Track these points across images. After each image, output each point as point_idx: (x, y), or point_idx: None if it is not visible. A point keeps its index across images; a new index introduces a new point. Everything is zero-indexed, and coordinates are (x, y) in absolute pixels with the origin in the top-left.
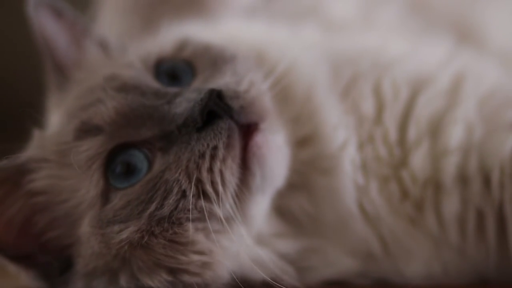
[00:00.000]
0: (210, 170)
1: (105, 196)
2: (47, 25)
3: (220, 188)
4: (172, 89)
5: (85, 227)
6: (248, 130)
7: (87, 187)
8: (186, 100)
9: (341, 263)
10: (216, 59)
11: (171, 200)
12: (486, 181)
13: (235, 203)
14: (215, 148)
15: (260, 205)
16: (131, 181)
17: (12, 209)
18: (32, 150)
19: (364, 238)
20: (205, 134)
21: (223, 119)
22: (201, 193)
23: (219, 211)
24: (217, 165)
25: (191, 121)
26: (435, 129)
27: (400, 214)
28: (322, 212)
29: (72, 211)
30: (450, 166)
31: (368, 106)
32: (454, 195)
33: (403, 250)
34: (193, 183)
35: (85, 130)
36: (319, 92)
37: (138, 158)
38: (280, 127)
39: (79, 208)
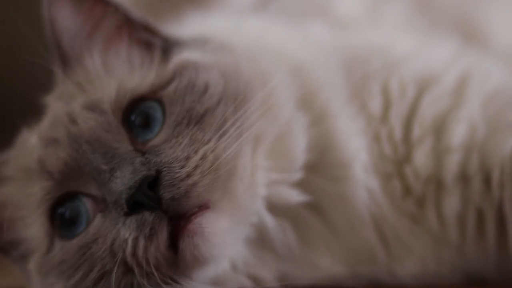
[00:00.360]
0: (134, 254)
1: (50, 240)
2: (59, 12)
3: (145, 268)
4: (125, 149)
5: (31, 266)
6: (182, 218)
7: (37, 226)
8: (121, 179)
9: (329, 270)
10: (185, 113)
11: (94, 275)
12: (487, 180)
13: (168, 276)
14: (136, 238)
15: (206, 271)
16: (76, 231)
17: None
18: (10, 158)
19: (370, 244)
20: (129, 222)
21: (150, 211)
22: (127, 270)
23: (147, 285)
24: (140, 252)
25: (119, 204)
26: (439, 128)
27: (402, 211)
28: (331, 222)
29: (26, 242)
30: (451, 164)
31: (376, 105)
32: (455, 193)
33: (403, 248)
34: (117, 264)
35: (41, 169)
36: (333, 103)
37: (82, 209)
38: (229, 208)
39: (30, 243)
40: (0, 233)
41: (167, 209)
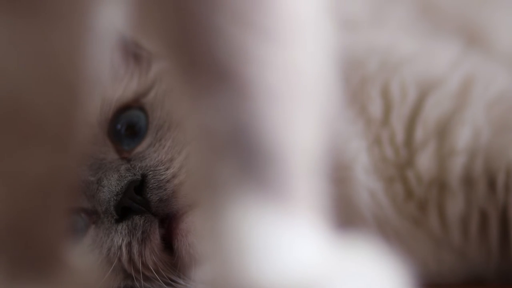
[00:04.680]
0: (130, 260)
1: None
2: None
3: (143, 272)
4: (110, 159)
5: None
6: (174, 218)
7: None
8: (108, 187)
9: None
10: (166, 116)
11: None
12: (492, 183)
13: (168, 278)
14: (129, 243)
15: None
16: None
17: None
18: None
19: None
20: (121, 229)
21: (139, 215)
22: (126, 277)
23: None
24: (135, 257)
25: (109, 212)
26: (443, 131)
27: (404, 214)
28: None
29: None
30: (456, 167)
31: (375, 108)
32: (459, 196)
33: (405, 249)
34: (113, 272)
35: None
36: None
37: (80, 223)
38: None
39: None
40: None
41: (156, 211)
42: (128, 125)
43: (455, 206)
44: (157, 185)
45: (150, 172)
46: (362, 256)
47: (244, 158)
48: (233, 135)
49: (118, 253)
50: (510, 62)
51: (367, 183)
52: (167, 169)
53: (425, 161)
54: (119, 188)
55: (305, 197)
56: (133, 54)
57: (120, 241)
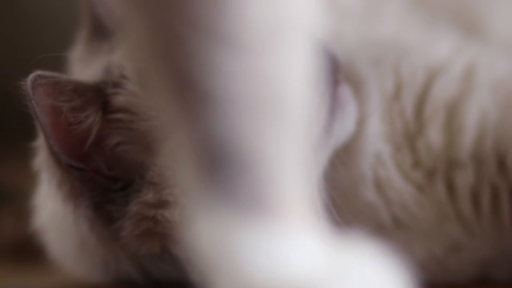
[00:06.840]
0: None
1: None
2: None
3: None
4: None
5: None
6: None
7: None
8: None
9: None
10: None
11: None
12: (502, 162)
13: None
14: None
15: None
16: None
17: (89, 120)
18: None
19: (372, 206)
20: None
21: None
22: None
23: None
24: None
25: None
26: (451, 111)
27: (410, 180)
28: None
29: (151, 131)
30: (465, 143)
31: (388, 84)
32: (469, 169)
33: (409, 217)
34: None
35: None
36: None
37: None
38: None
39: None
40: (114, 133)
41: None
42: None
43: (465, 178)
44: None
45: None
46: (362, 256)
47: (214, 169)
48: (201, 146)
49: None
50: (507, 49)
51: (375, 142)
52: None
53: (434, 133)
54: None
55: (294, 201)
56: None
57: None
